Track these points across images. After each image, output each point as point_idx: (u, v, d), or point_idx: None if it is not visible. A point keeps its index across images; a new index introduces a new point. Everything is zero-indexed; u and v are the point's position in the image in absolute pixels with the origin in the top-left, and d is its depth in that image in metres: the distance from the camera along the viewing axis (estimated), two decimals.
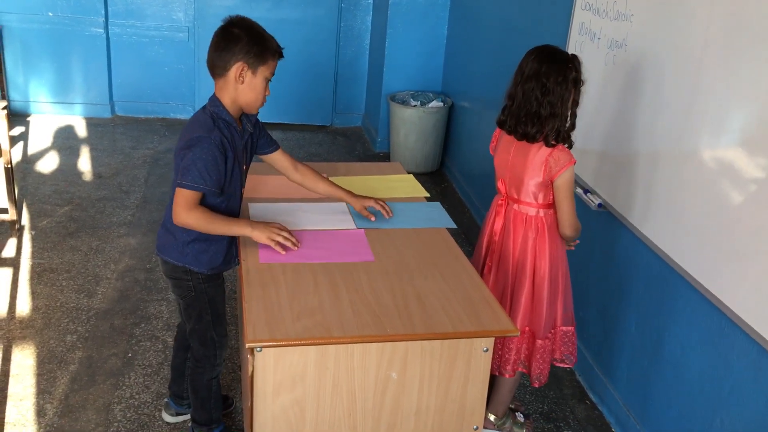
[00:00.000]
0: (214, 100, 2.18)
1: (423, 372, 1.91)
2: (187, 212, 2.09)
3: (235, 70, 2.12)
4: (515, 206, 2.44)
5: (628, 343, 2.77)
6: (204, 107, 2.20)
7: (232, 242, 2.31)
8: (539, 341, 2.47)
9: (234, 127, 2.18)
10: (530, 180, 2.37)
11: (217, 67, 2.15)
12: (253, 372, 1.82)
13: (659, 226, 2.50)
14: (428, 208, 2.58)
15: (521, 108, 2.32)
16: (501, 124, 2.42)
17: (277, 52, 2.17)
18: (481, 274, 2.56)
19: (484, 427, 2.73)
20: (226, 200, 2.20)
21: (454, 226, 2.45)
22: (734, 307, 2.12)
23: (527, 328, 2.48)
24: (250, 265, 2.08)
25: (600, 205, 2.86)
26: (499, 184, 2.49)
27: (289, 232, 2.21)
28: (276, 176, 2.70)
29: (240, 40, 2.11)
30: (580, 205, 3.01)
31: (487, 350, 1.93)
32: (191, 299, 2.30)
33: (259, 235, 2.15)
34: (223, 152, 2.12)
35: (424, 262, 2.18)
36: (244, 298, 1.91)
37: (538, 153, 2.33)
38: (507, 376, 2.52)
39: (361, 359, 1.85)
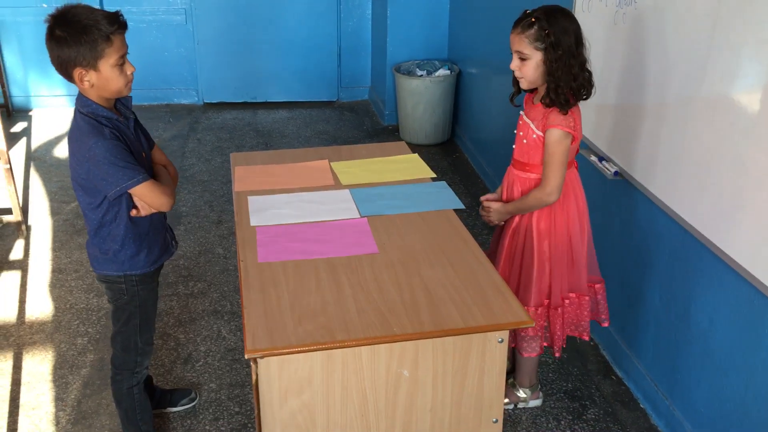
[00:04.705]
0: (83, 99, 2.05)
1: (436, 368, 1.82)
2: (160, 198, 2.10)
3: (76, 76, 1.99)
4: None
5: (653, 315, 2.65)
6: (77, 112, 2.07)
7: (165, 227, 2.29)
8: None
9: (116, 120, 2.08)
10: None
11: (61, 74, 2.02)
12: (257, 380, 1.74)
13: (680, 193, 2.37)
14: (434, 188, 2.46)
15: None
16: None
17: (111, 32, 1.97)
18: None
19: (511, 401, 2.68)
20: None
21: (461, 206, 2.34)
22: (763, 278, 2.00)
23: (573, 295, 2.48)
24: (249, 265, 1.98)
25: (616, 173, 2.73)
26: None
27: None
28: (266, 165, 2.60)
29: (64, 44, 1.95)
30: (596, 174, 2.89)
31: (502, 341, 1.83)
32: (123, 303, 2.25)
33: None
34: (124, 142, 2.05)
35: (431, 249, 2.07)
36: (243, 303, 1.82)
37: None
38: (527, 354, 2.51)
39: (369, 360, 1.76)
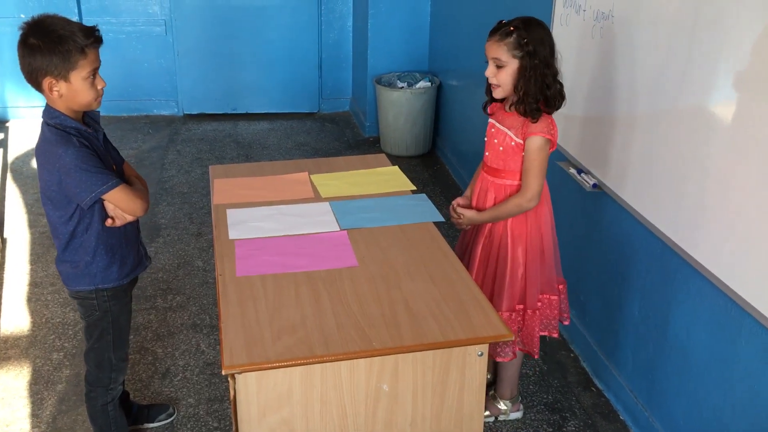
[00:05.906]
0: (50, 111, 2.04)
1: (416, 382, 1.81)
2: (135, 202, 2.08)
3: (45, 85, 1.98)
4: None
5: (632, 327, 2.66)
6: (44, 124, 2.05)
7: (138, 240, 2.26)
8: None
9: (85, 131, 2.07)
10: None
11: (29, 82, 2.01)
12: (235, 396, 1.72)
13: (657, 205, 2.39)
14: (414, 201, 2.46)
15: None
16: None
17: (86, 45, 1.96)
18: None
19: (492, 414, 2.67)
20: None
21: (441, 219, 2.34)
22: (739, 290, 2.01)
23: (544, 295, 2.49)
24: (227, 279, 1.97)
25: (595, 185, 2.74)
26: None
27: None
28: (245, 178, 2.59)
29: (37, 52, 1.94)
30: (575, 186, 2.91)
31: (482, 354, 1.82)
32: (95, 319, 2.22)
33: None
34: (93, 151, 2.04)
35: (411, 262, 2.07)
36: (221, 318, 1.80)
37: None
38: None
39: (348, 374, 1.75)
